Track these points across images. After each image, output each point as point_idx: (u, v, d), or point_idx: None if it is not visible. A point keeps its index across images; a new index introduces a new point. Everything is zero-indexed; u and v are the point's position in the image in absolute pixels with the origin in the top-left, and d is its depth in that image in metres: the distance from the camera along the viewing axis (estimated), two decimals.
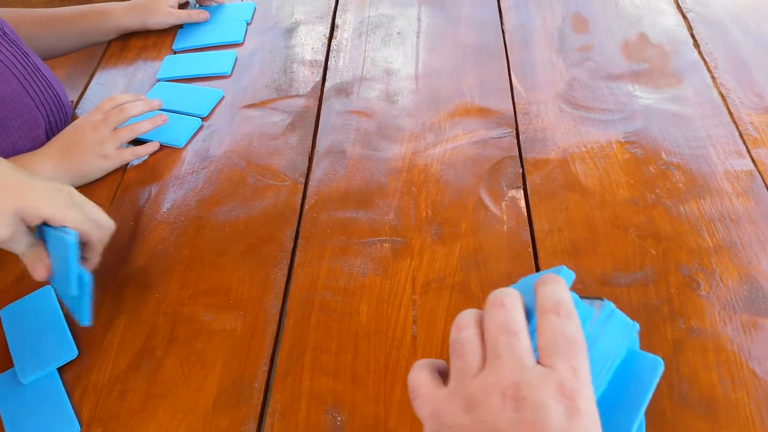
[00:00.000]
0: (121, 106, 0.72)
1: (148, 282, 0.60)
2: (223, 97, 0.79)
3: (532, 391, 0.31)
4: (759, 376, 0.47)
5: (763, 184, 0.61)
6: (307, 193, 0.66)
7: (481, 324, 0.36)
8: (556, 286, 0.36)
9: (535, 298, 0.36)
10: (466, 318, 0.37)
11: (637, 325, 0.44)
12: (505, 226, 0.60)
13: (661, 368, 0.41)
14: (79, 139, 0.71)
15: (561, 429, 0.30)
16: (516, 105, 0.73)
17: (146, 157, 0.72)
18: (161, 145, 0.73)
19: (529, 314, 0.37)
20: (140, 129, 0.72)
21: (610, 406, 0.41)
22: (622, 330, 0.41)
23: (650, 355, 0.42)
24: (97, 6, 0.91)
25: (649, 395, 0.40)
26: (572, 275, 0.39)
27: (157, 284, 0.60)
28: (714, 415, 0.46)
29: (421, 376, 0.36)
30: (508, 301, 0.35)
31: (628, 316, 0.47)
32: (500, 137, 0.70)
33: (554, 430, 0.30)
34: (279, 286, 0.58)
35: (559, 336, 0.33)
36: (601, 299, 0.41)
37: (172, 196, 0.68)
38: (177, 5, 0.92)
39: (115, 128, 0.71)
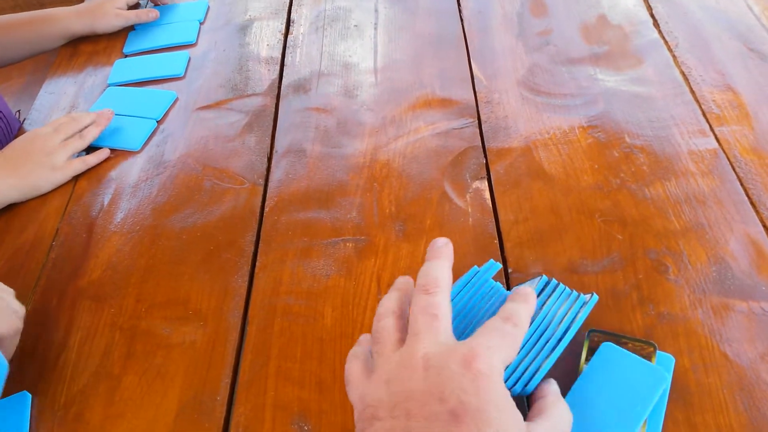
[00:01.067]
0: (72, 116, 0.70)
1: (102, 296, 0.57)
2: (176, 99, 0.76)
3: (439, 358, 0.35)
4: (731, 360, 0.46)
5: (728, 162, 0.60)
6: (267, 195, 0.64)
7: (400, 311, 0.41)
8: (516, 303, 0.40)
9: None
10: (385, 308, 0.41)
11: (583, 297, 0.46)
12: (471, 219, 0.59)
13: (666, 382, 0.42)
14: (28, 150, 0.68)
15: (461, 390, 0.34)
16: (477, 94, 0.72)
17: (96, 164, 0.69)
18: (116, 150, 0.71)
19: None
20: (89, 135, 0.70)
21: (609, 415, 0.41)
22: (565, 300, 0.46)
23: (655, 367, 0.42)
24: (43, 12, 0.87)
25: (650, 407, 0.41)
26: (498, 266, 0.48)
27: (112, 298, 0.57)
28: (688, 402, 0.45)
29: (352, 366, 0.40)
30: (434, 288, 0.39)
31: (596, 303, 0.48)
32: (462, 128, 0.68)
33: (454, 390, 0.34)
34: (240, 293, 0.56)
35: (493, 320, 0.38)
36: (540, 275, 0.46)
37: (125, 205, 0.65)
38: (126, 6, 0.89)
39: (65, 139, 0.69)
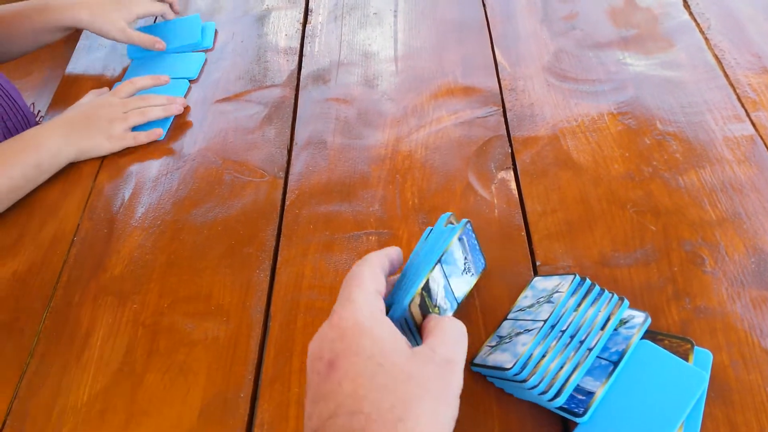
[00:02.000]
0: (142, 96, 0.73)
1: (124, 292, 0.57)
2: (206, 61, 0.81)
3: (318, 333, 0.38)
4: None
5: (765, 149, 0.57)
6: (288, 188, 0.63)
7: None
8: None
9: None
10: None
11: (617, 298, 0.45)
12: (496, 210, 0.57)
13: (705, 382, 0.41)
14: (90, 115, 0.71)
15: (331, 341, 0.36)
16: (501, 81, 0.70)
17: (146, 142, 0.71)
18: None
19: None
20: (152, 114, 0.72)
21: (646, 416, 0.39)
22: (602, 302, 0.45)
23: (693, 368, 0.41)
24: (43, 1, 0.84)
25: (688, 410, 0.39)
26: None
27: (134, 294, 0.57)
28: (728, 399, 0.43)
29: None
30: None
31: (630, 298, 0.46)
32: (486, 116, 0.66)
33: (326, 345, 0.37)
34: (262, 288, 0.55)
35: (343, 284, 0.41)
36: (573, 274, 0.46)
37: (146, 200, 0.64)
38: (135, 21, 0.84)
39: (126, 111, 0.71)
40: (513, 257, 0.54)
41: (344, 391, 0.34)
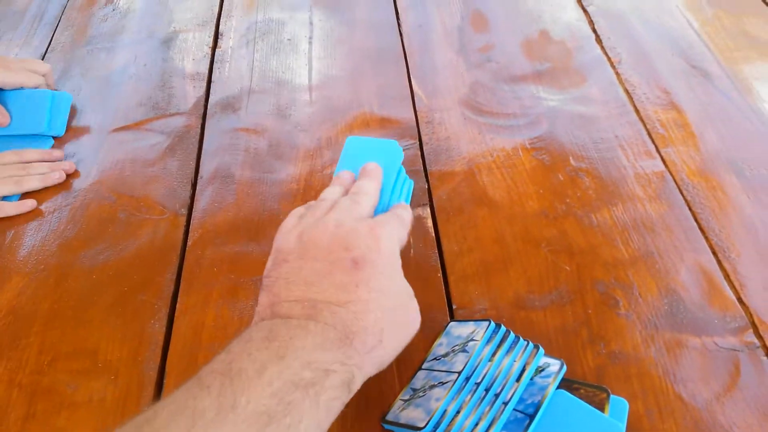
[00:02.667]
0: (22, 164, 0.64)
1: (0, 348, 0.51)
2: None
3: (351, 223, 0.42)
4: (686, 401, 0.44)
5: (675, 186, 0.58)
6: (191, 227, 0.59)
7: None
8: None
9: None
10: (324, 193, 0.49)
11: (532, 346, 0.44)
12: (412, 251, 0.55)
13: None
14: None
15: (364, 243, 0.41)
16: (418, 113, 0.68)
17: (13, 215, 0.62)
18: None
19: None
20: (27, 186, 0.63)
21: None
22: (516, 351, 0.44)
23: (608, 419, 0.40)
24: None
25: None
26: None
27: (10, 349, 0.51)
28: None
29: (286, 221, 0.46)
30: (361, 197, 0.47)
31: (545, 342, 0.45)
32: (403, 149, 0.64)
33: (358, 242, 0.41)
34: (157, 340, 0.50)
35: (395, 209, 0.48)
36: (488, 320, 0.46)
37: (29, 241, 0.58)
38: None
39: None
40: (429, 300, 0.51)
41: (358, 295, 0.39)
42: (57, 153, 0.66)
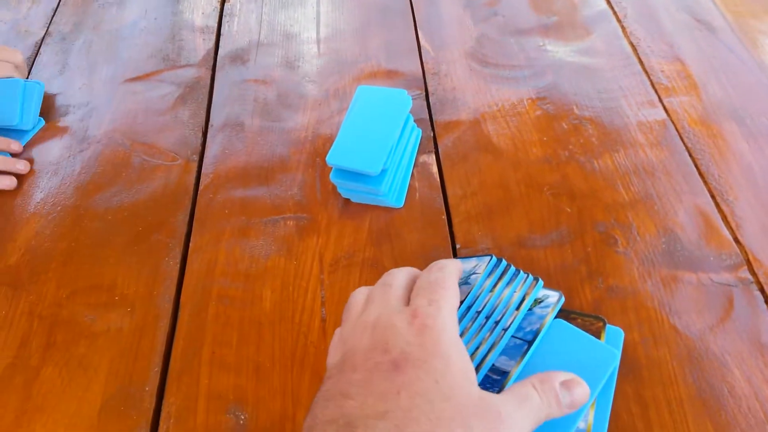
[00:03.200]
0: None
1: (20, 282, 0.53)
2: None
3: (387, 318, 0.36)
4: (680, 331, 0.45)
5: (676, 133, 0.59)
6: (202, 172, 0.60)
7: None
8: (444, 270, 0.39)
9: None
10: (358, 290, 0.41)
11: (531, 278, 0.45)
12: (417, 194, 0.56)
13: (616, 361, 0.41)
14: None
15: (405, 342, 0.34)
16: (425, 65, 0.69)
17: None
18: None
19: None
20: None
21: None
22: (517, 283, 0.44)
23: (605, 346, 0.41)
24: None
25: (599, 386, 0.39)
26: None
27: (30, 284, 0.53)
28: (638, 375, 0.44)
29: (335, 334, 0.40)
30: (390, 278, 0.40)
31: (545, 278, 0.46)
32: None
33: (398, 343, 0.34)
34: (171, 276, 0.52)
35: (424, 282, 0.38)
36: (489, 255, 0.47)
37: (46, 185, 0.60)
38: None
39: None
40: (433, 241, 0.53)
41: (400, 403, 0.31)
42: (15, 145, 0.63)
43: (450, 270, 0.39)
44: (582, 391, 0.35)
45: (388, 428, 0.30)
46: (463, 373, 0.33)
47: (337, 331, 0.40)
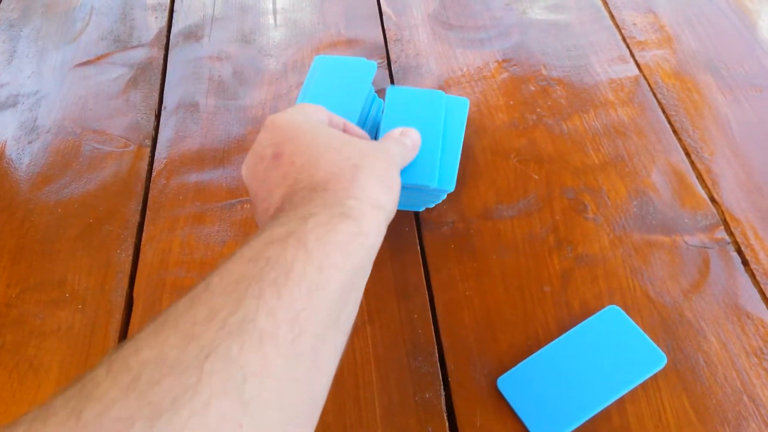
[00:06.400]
0: None
1: None
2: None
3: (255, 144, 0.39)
4: (653, 299, 0.43)
5: (649, 89, 0.56)
6: (155, 158, 0.58)
7: None
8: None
9: None
10: None
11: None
12: None
13: (664, 363, 0.40)
14: None
15: (269, 140, 0.37)
16: (386, 32, 0.66)
17: None
18: None
19: None
20: None
21: (599, 375, 0.40)
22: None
23: (657, 349, 0.41)
24: None
25: (636, 382, 0.40)
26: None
27: None
28: None
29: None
30: None
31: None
32: None
33: (265, 145, 0.37)
34: (124, 269, 0.50)
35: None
36: None
37: None
38: None
39: None
40: (396, 216, 0.50)
41: (298, 164, 0.34)
42: None
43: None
44: (414, 133, 0.44)
45: (305, 182, 0.34)
46: (325, 126, 0.38)
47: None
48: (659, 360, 0.40)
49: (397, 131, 0.44)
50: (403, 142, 0.44)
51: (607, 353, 0.40)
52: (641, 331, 0.41)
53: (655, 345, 0.41)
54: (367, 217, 0.32)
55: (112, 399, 0.22)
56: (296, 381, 0.26)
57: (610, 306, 0.42)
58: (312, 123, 0.38)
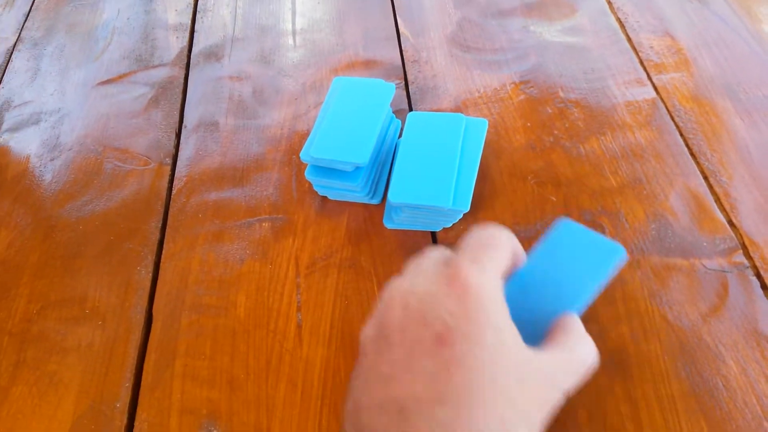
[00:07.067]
0: None
1: None
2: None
3: (423, 282, 0.31)
4: (671, 323, 0.43)
5: (667, 112, 0.56)
6: (175, 176, 0.58)
7: None
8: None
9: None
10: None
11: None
12: None
13: (622, 254, 0.38)
14: None
15: (446, 311, 0.29)
16: (404, 53, 0.67)
17: None
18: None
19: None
20: None
21: (558, 285, 0.38)
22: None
23: (612, 242, 0.39)
24: None
25: (600, 278, 0.37)
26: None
27: (0, 300, 0.51)
28: (627, 372, 0.41)
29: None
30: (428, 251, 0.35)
31: None
32: None
33: (438, 313, 0.29)
34: (144, 286, 0.51)
35: (470, 240, 0.33)
36: None
37: (16, 195, 0.58)
38: None
39: None
40: (414, 237, 0.51)
41: (453, 382, 0.27)
42: None
43: (504, 231, 0.34)
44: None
45: (448, 415, 0.27)
46: (515, 341, 0.30)
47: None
48: (617, 251, 0.39)
49: (582, 329, 0.33)
50: (594, 352, 0.33)
51: (567, 264, 0.39)
52: (592, 231, 0.40)
53: (608, 239, 0.40)
54: None
55: None
56: None
57: (558, 219, 0.42)
58: (508, 328, 0.30)
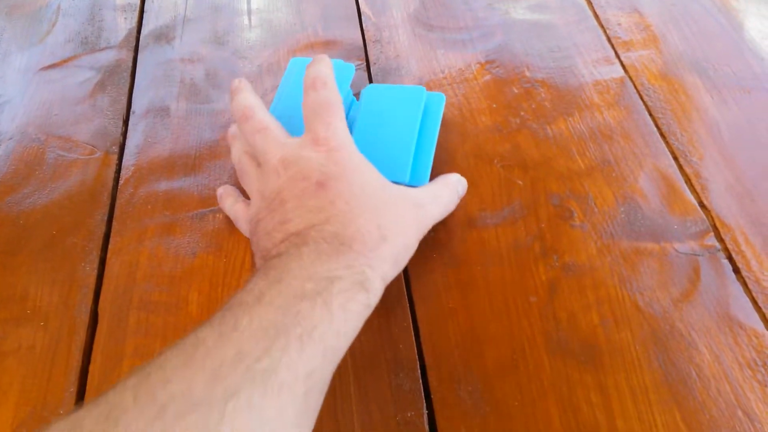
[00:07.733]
0: None
1: None
2: None
3: (292, 153, 0.39)
4: (642, 309, 0.41)
5: (635, 91, 0.54)
6: (123, 165, 0.55)
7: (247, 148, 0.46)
8: (319, 65, 0.42)
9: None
10: (235, 148, 0.47)
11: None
12: None
13: (422, 92, 0.48)
14: None
15: (320, 165, 0.38)
16: (365, 32, 0.64)
17: None
18: None
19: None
20: None
21: (390, 139, 0.46)
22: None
23: (414, 86, 0.48)
24: None
25: (417, 119, 0.47)
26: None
27: None
28: (598, 362, 0.40)
29: (228, 205, 0.47)
30: (249, 113, 0.43)
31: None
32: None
33: (314, 168, 0.37)
34: (88, 283, 0.47)
35: (315, 104, 0.40)
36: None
37: None
38: None
39: None
40: None
41: (337, 208, 0.36)
42: None
43: (330, 81, 0.41)
44: (464, 181, 0.47)
45: (334, 226, 0.35)
46: (377, 177, 0.39)
47: (241, 204, 0.46)
48: (420, 91, 0.47)
49: (455, 176, 0.46)
50: (458, 192, 0.45)
51: (388, 119, 0.46)
52: (397, 85, 0.49)
53: (410, 86, 0.49)
54: (375, 291, 0.35)
55: (138, 429, 0.25)
56: (299, 428, 0.29)
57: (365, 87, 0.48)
58: (370, 170, 0.39)
